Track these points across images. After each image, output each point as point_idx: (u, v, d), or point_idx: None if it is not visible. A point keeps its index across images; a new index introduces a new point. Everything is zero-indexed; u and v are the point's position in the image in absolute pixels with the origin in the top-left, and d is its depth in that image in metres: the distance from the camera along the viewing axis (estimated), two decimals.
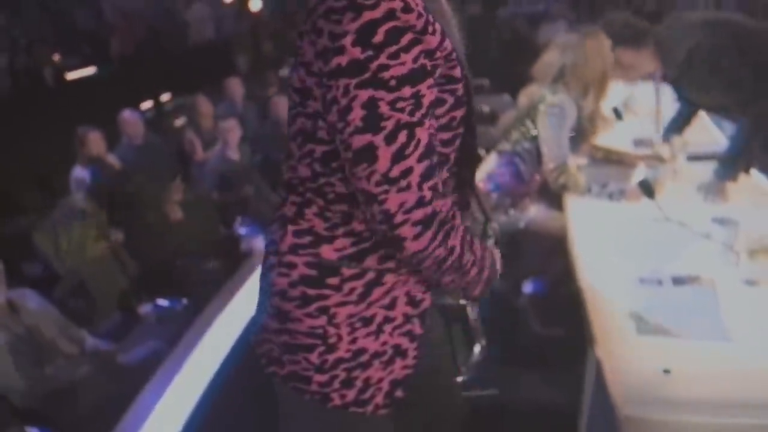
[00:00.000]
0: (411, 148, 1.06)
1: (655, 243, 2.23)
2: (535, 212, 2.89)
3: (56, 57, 8.87)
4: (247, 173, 4.97)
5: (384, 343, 1.20)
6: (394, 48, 1.03)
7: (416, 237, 1.09)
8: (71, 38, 9.57)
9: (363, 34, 1.03)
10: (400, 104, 1.04)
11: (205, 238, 3.79)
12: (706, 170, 2.73)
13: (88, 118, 4.96)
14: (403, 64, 1.04)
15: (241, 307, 2.91)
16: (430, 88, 1.08)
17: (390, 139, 1.05)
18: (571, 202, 2.72)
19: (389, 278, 1.20)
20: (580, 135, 2.89)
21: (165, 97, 9.05)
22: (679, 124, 3.27)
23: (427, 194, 1.08)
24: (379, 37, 1.03)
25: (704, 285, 1.93)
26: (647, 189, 2.42)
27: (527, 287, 3.02)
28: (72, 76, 8.80)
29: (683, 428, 1.43)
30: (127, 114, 5.24)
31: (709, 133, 3.55)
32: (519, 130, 2.82)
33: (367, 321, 1.19)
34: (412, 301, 1.23)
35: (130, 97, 7.93)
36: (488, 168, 2.91)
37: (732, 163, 2.66)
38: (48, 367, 2.52)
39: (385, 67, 1.03)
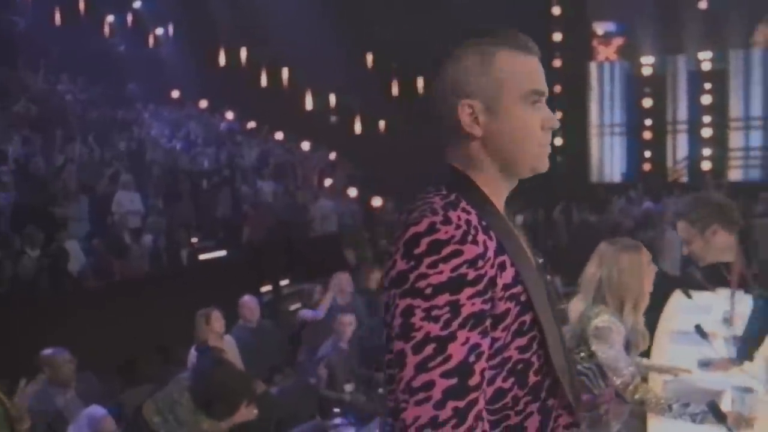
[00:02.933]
0: (436, 362, 1.07)
1: None
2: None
3: (194, 240, 9.84)
4: (351, 368, 5.19)
5: None
6: (433, 258, 1.10)
7: None
8: (210, 224, 10.61)
9: (408, 246, 1.13)
10: (434, 312, 1.08)
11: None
12: None
13: (213, 297, 5.43)
14: (441, 273, 1.09)
15: None
16: (472, 298, 1.10)
17: (417, 348, 1.08)
18: (652, 424, 2.68)
19: None
20: (632, 346, 2.85)
21: (284, 282, 9.69)
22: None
23: (445, 414, 1.06)
24: (420, 248, 1.12)
25: None
26: (716, 413, 2.34)
27: None
28: (204, 257, 9.68)
29: None
30: (246, 298, 5.72)
31: None
32: (575, 353, 2.82)
33: None
34: None
35: (252, 280, 8.59)
36: None
37: None
38: None
39: (423, 276, 1.10)
